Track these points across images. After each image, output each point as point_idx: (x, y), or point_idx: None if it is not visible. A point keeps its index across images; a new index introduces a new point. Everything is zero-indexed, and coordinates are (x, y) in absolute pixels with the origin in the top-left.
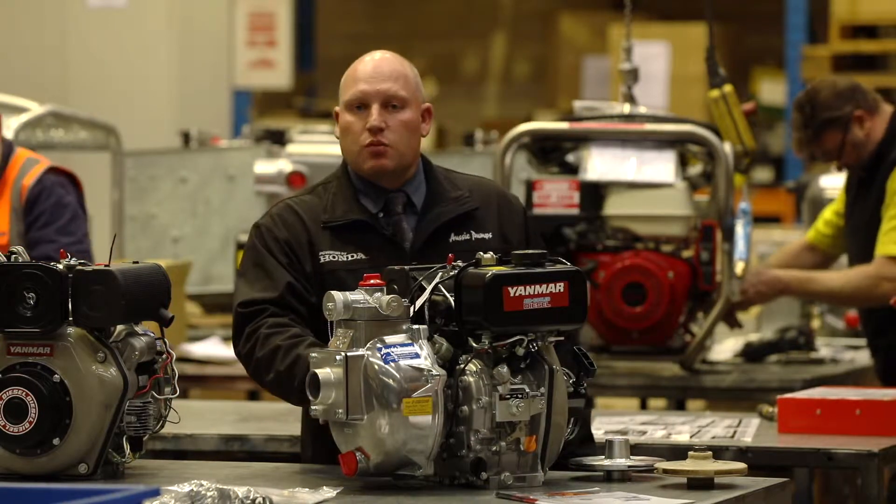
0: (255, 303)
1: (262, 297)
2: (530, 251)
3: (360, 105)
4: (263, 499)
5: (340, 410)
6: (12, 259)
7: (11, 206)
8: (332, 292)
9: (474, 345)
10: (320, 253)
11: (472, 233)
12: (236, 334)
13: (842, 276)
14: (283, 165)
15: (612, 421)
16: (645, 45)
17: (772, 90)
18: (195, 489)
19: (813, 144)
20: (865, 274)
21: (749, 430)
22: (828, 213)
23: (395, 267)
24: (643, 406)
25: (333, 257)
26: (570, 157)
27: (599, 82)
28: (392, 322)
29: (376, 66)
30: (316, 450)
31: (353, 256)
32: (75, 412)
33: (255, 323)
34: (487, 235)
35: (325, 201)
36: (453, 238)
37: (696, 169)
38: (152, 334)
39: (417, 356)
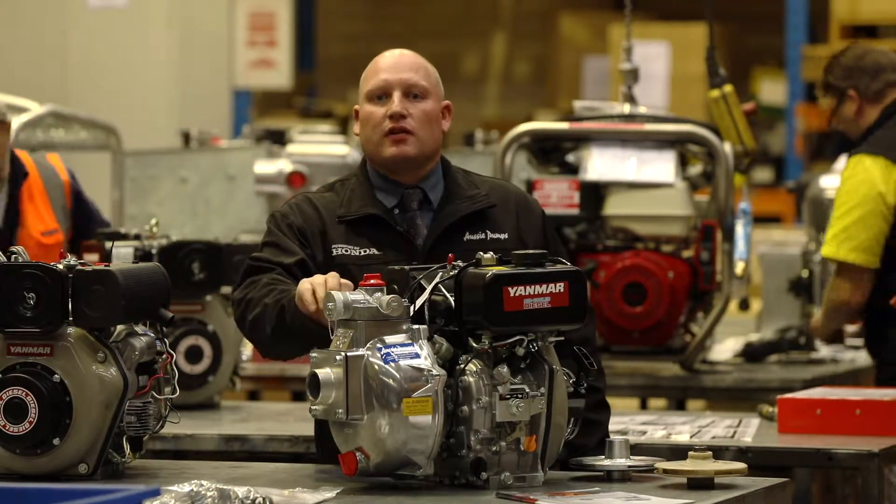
0: (268, 260)
1: (276, 260)
2: (530, 251)
3: (381, 94)
4: (263, 499)
5: (340, 410)
6: (12, 259)
7: (54, 205)
8: (333, 292)
9: (474, 345)
10: (333, 246)
11: (488, 232)
12: (239, 281)
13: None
14: (284, 165)
15: (612, 421)
16: (645, 45)
17: (772, 90)
18: (195, 489)
19: (826, 90)
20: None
21: (749, 430)
22: None
23: (396, 267)
24: (643, 406)
25: (346, 251)
26: (570, 157)
27: (599, 82)
28: (392, 322)
29: (397, 59)
30: (326, 449)
31: (365, 251)
32: (75, 412)
33: (260, 274)
34: (503, 235)
35: (342, 196)
36: (468, 237)
37: (696, 169)
38: (153, 334)
39: (417, 356)
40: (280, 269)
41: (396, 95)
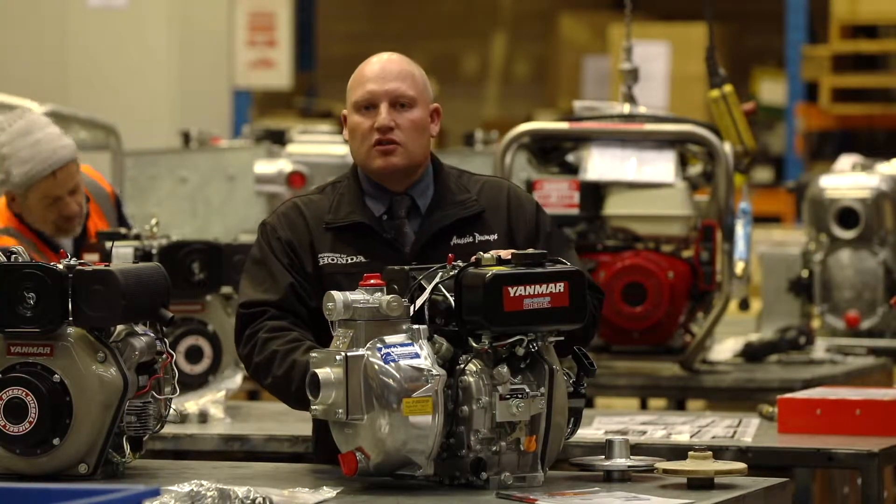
0: (257, 304)
1: (264, 299)
2: (530, 251)
3: (368, 105)
4: (263, 499)
5: (340, 410)
6: (12, 259)
7: (108, 218)
8: (333, 292)
9: (474, 345)
10: (320, 255)
11: (476, 235)
12: (237, 335)
13: None
14: (283, 165)
15: (612, 421)
16: (645, 45)
17: (772, 90)
18: (195, 489)
19: None
20: None
21: (749, 430)
22: None
23: (396, 267)
24: (643, 406)
25: (333, 260)
26: (570, 157)
27: (599, 82)
28: (392, 322)
29: (384, 67)
30: (322, 449)
31: (352, 259)
32: (75, 412)
33: (255, 325)
34: (493, 237)
35: (331, 201)
36: (455, 241)
37: (696, 169)
38: (153, 334)
39: (417, 356)
40: (272, 311)
41: (383, 107)
